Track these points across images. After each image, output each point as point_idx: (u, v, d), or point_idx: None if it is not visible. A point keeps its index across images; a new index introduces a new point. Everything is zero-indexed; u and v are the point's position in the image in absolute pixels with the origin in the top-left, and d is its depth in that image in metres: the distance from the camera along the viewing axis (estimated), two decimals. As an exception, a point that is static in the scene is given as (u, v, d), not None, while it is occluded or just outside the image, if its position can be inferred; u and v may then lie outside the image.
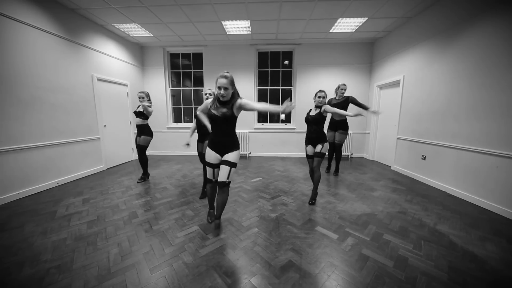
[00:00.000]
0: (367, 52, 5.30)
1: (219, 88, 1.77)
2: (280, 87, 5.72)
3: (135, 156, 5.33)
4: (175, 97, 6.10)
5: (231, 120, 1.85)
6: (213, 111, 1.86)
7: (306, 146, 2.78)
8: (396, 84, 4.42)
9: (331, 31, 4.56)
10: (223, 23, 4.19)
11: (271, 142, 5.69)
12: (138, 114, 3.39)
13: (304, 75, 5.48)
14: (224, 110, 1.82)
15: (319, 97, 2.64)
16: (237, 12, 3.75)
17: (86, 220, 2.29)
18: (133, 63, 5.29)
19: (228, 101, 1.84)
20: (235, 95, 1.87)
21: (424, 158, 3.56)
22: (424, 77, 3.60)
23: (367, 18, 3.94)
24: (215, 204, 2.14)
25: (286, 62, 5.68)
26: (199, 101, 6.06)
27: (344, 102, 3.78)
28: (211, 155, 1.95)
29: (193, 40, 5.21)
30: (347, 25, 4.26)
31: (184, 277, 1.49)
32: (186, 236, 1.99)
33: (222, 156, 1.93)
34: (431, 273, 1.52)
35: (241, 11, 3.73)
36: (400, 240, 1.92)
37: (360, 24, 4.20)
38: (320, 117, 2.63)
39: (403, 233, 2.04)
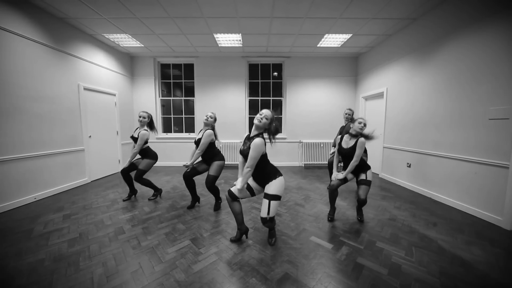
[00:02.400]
0: (352, 66, 5.61)
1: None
2: (271, 98, 5.84)
3: (121, 168, 5.11)
4: (165, 107, 6.02)
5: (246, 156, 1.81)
6: (242, 147, 1.89)
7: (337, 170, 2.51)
8: (380, 95, 4.67)
9: (318, 45, 4.80)
10: (215, 35, 4.29)
11: (262, 151, 5.70)
12: (135, 139, 2.98)
13: (294, 87, 5.65)
14: (246, 146, 1.83)
15: (360, 122, 2.31)
16: (229, 26, 3.86)
17: (67, 238, 2.12)
18: (122, 73, 5.22)
19: (254, 137, 1.79)
20: (266, 131, 1.84)
21: (409, 166, 3.73)
22: (405, 89, 3.85)
23: (351, 34, 4.20)
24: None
25: (275, 74, 5.85)
26: (190, 111, 6.03)
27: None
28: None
29: (185, 51, 5.26)
30: (333, 40, 4.52)
31: (176, 296, 1.40)
32: (178, 251, 1.90)
33: (262, 187, 1.89)
34: (424, 279, 1.55)
35: (233, 25, 3.85)
36: (392, 247, 1.95)
37: (345, 39, 4.46)
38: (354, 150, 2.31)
39: (395, 240, 2.08)
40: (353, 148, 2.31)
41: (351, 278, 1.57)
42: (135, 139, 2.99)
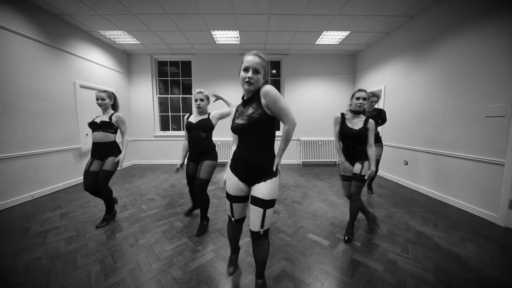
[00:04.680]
0: (350, 63, 5.60)
1: (246, 69, 1.17)
2: (269, 96, 5.82)
3: (119, 166, 5.08)
4: (163, 104, 5.99)
5: (263, 125, 1.18)
6: (238, 122, 1.24)
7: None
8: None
9: (316, 42, 4.78)
10: (213, 32, 4.25)
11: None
12: (104, 125, 2.21)
13: (292, 84, 5.64)
14: (250, 111, 1.19)
15: (358, 98, 1.87)
16: (226, 22, 3.83)
17: (64, 236, 2.12)
18: (119, 70, 5.16)
19: (254, 97, 1.21)
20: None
21: (407, 163, 3.75)
22: (403, 87, 3.85)
23: (349, 31, 4.18)
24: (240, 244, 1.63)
25: (274, 71, 5.83)
26: (187, 109, 5.99)
27: (376, 116, 2.93)
28: (230, 183, 1.30)
29: (182, 48, 5.21)
30: (331, 37, 4.50)
31: (173, 294, 1.41)
32: (175, 249, 1.90)
33: (249, 185, 1.28)
34: (419, 275, 1.57)
35: (231, 22, 3.81)
36: (388, 244, 1.97)
37: (344, 37, 4.44)
38: (366, 132, 1.88)
39: (391, 236, 2.10)
40: (364, 129, 1.87)
41: (347, 274, 1.59)
42: (104, 125, 2.20)
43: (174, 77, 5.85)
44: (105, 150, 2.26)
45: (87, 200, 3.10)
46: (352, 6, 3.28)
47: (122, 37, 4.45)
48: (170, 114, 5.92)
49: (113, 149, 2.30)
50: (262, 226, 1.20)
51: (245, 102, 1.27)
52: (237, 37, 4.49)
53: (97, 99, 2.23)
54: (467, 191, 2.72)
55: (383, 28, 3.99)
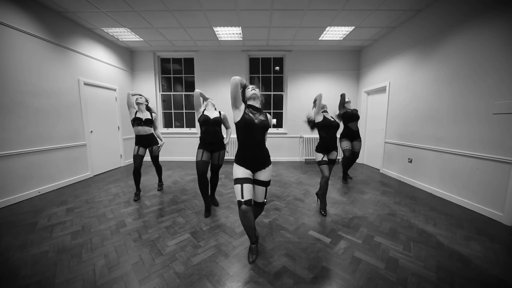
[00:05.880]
0: (354, 59, 5.50)
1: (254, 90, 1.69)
2: (272, 93, 5.79)
3: (123, 162, 5.17)
4: (166, 102, 6.02)
5: (267, 130, 1.69)
6: (251, 116, 1.60)
7: (323, 153, 2.54)
8: (382, 90, 4.60)
9: (320, 38, 4.71)
10: (215, 29, 4.23)
11: (263, 146, 5.70)
12: (146, 122, 2.97)
13: (295, 81, 5.59)
14: (263, 118, 1.64)
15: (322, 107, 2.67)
16: (228, 19, 3.80)
17: (70, 230, 2.17)
18: (122, 68, 5.20)
19: (261, 110, 1.72)
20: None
21: (411, 161, 3.70)
22: (408, 84, 3.78)
23: (354, 27, 4.10)
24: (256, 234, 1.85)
25: (277, 68, 5.78)
26: (190, 106, 6.01)
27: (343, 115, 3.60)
28: (238, 171, 1.63)
29: (185, 45, 5.21)
30: (335, 33, 4.42)
31: (175, 288, 1.43)
32: (177, 244, 1.93)
33: (253, 172, 1.66)
34: (421, 274, 1.56)
35: (233, 18, 3.78)
36: (390, 242, 1.96)
37: (348, 32, 4.37)
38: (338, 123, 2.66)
39: (393, 234, 2.09)
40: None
41: (348, 271, 1.59)
42: (145, 121, 2.97)
43: (177, 74, 5.86)
44: (149, 139, 3.07)
45: (92, 196, 3.16)
46: (357, 0, 3.21)
47: (125, 35, 4.46)
48: (173, 111, 5.95)
49: (154, 139, 3.16)
50: (265, 197, 1.74)
51: (255, 108, 1.70)
52: (240, 34, 4.46)
53: (140, 102, 2.96)
54: (472, 190, 2.67)
55: (388, 23, 3.90)
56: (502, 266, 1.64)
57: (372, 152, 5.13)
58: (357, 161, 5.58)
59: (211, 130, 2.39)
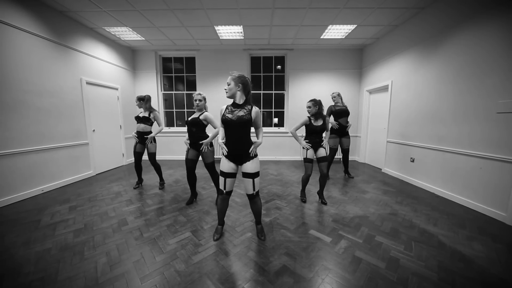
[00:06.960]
0: (357, 58, 5.46)
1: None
2: (273, 91, 5.78)
3: (125, 161, 5.20)
4: (167, 101, 6.04)
5: (248, 125, 1.76)
6: (228, 115, 1.76)
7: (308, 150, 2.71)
8: (384, 89, 4.56)
9: (322, 37, 4.68)
10: (216, 28, 4.22)
11: (264, 146, 5.68)
12: (142, 119, 3.25)
13: (297, 80, 5.56)
14: (241, 113, 1.74)
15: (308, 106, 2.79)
16: (230, 17, 3.79)
17: (72, 228, 2.19)
18: (124, 67, 5.22)
19: (244, 104, 1.78)
20: (249, 100, 1.82)
21: (413, 161, 3.67)
22: (411, 83, 3.74)
23: (356, 25, 4.07)
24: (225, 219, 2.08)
25: (279, 67, 5.76)
26: (192, 105, 6.01)
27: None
28: (224, 164, 1.84)
29: (186, 44, 5.21)
30: (337, 31, 4.39)
31: (176, 286, 1.44)
32: (178, 243, 1.94)
33: (239, 165, 1.85)
34: (422, 274, 1.55)
35: (234, 17, 3.77)
36: (391, 242, 1.95)
37: (350, 31, 4.33)
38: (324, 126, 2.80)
39: (394, 234, 2.08)
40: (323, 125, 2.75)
41: (348, 271, 1.58)
42: (142, 119, 3.24)
43: (178, 73, 5.86)
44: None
45: (95, 194, 3.19)
46: (359, -2, 3.18)
47: (126, 34, 4.48)
48: (174, 110, 5.97)
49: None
50: (254, 189, 1.83)
51: (235, 105, 1.81)
52: (241, 32, 4.45)
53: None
54: (475, 189, 2.65)
55: (391, 21, 3.87)
56: (504, 266, 1.63)
57: (374, 151, 5.10)
58: (359, 160, 5.57)
59: (188, 130, 2.63)
